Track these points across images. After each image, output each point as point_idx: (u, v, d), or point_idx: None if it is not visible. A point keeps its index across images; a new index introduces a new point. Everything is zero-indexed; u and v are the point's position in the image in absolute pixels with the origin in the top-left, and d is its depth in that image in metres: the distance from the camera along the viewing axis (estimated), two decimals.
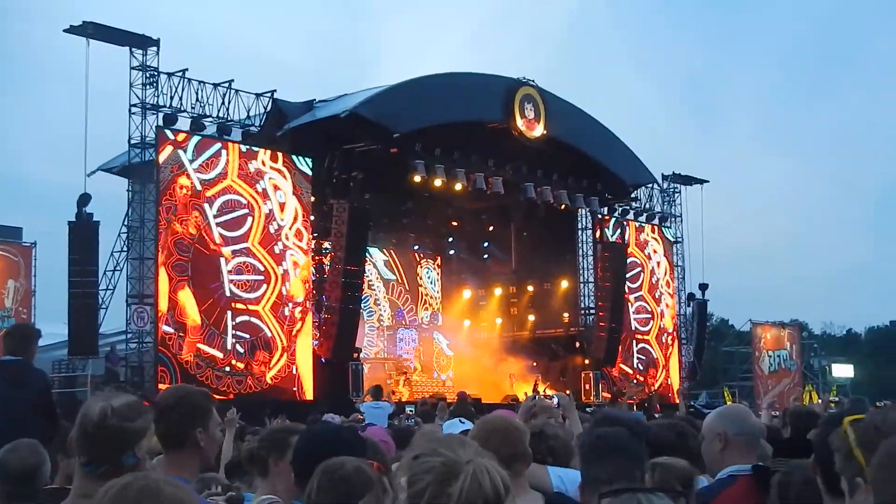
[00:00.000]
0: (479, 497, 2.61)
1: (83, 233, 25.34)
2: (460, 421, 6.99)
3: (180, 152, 26.13)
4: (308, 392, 28.22)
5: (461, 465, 2.67)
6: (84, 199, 25.56)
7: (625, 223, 38.66)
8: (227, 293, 26.76)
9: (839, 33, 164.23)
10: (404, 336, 38.47)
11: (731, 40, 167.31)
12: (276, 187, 28.01)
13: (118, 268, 27.92)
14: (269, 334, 27.40)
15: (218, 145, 27.08)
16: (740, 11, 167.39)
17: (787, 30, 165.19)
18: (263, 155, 27.84)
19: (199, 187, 26.37)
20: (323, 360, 28.97)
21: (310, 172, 28.83)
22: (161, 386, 24.95)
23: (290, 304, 28.05)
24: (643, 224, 39.42)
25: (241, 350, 26.67)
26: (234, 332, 26.63)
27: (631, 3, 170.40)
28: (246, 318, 27.06)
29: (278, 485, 5.13)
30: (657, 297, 39.90)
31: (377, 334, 37.46)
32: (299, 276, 28.34)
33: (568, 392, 32.59)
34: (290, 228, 28.26)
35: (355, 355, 30.22)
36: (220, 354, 26.41)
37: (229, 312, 26.65)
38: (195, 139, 26.64)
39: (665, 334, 40.04)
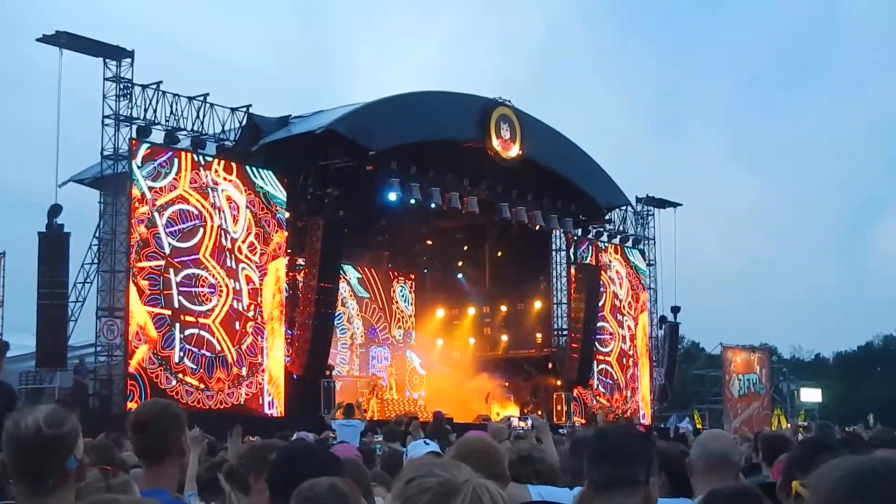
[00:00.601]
0: None
1: (53, 244, 25.13)
2: (425, 442, 6.87)
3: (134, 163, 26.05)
4: (279, 408, 28.06)
5: (459, 484, 2.59)
6: (55, 209, 25.35)
7: (588, 244, 38.63)
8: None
9: (803, 50, 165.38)
10: (377, 354, 38.34)
11: (698, 58, 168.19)
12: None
13: (88, 280, 27.76)
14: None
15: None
16: (708, 29, 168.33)
17: (754, 47, 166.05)
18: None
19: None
20: (295, 376, 28.80)
21: (270, 185, 28.56)
22: (130, 402, 24.79)
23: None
24: (605, 244, 39.33)
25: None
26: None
27: (603, 20, 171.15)
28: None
29: (259, 502, 5.03)
30: (619, 319, 39.83)
31: (350, 352, 37.31)
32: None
33: (541, 413, 32.54)
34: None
35: (327, 372, 30.09)
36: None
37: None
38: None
39: (626, 356, 39.95)
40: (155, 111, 26.85)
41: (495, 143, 32.97)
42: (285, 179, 29.08)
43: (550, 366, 38.64)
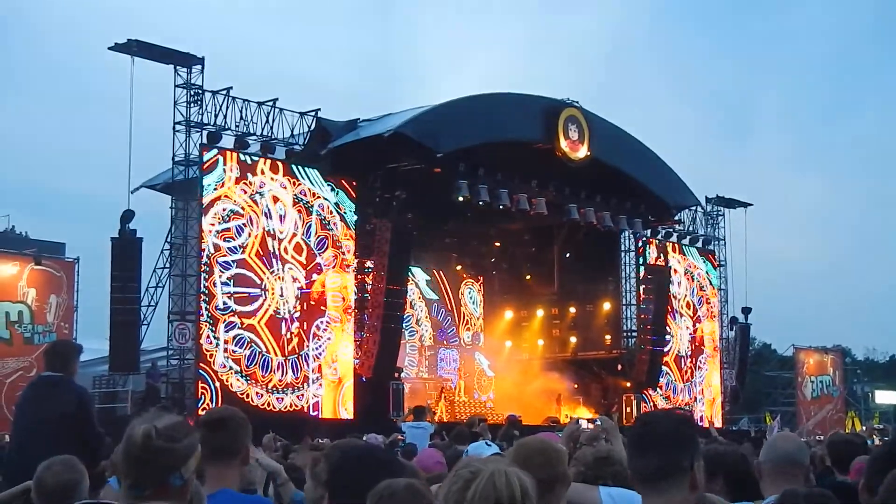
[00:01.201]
0: (492, 495, 2.82)
1: (126, 249, 25.44)
2: (486, 444, 6.87)
3: None
4: (348, 412, 28.22)
5: (484, 471, 2.86)
6: (127, 215, 25.67)
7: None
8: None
9: (870, 50, 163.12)
10: (445, 356, 38.39)
11: (766, 60, 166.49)
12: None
13: (160, 284, 28.09)
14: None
15: (214, 151, 26.80)
16: (776, 31, 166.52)
17: (822, 47, 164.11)
18: (263, 165, 27.52)
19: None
20: (363, 379, 28.92)
21: (317, 185, 28.50)
22: (202, 404, 25.07)
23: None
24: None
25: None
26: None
27: (671, 23, 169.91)
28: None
29: None
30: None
31: (418, 354, 37.40)
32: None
33: (611, 412, 32.41)
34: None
35: (396, 375, 30.18)
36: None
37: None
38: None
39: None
40: (225, 117, 27.12)
41: (563, 144, 32.88)
42: (354, 182, 29.21)
43: (620, 367, 38.48)
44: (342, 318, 28.70)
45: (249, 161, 27.19)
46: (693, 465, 3.71)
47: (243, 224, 26.71)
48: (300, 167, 28.30)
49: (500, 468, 2.87)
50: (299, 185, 28.04)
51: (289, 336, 27.38)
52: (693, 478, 3.70)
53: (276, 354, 26.96)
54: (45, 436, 7.58)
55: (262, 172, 27.28)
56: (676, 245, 39.55)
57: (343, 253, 28.88)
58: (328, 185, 28.65)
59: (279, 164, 27.90)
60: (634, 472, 3.79)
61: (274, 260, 27.24)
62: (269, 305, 27.08)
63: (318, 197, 28.40)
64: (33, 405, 8.23)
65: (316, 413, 27.50)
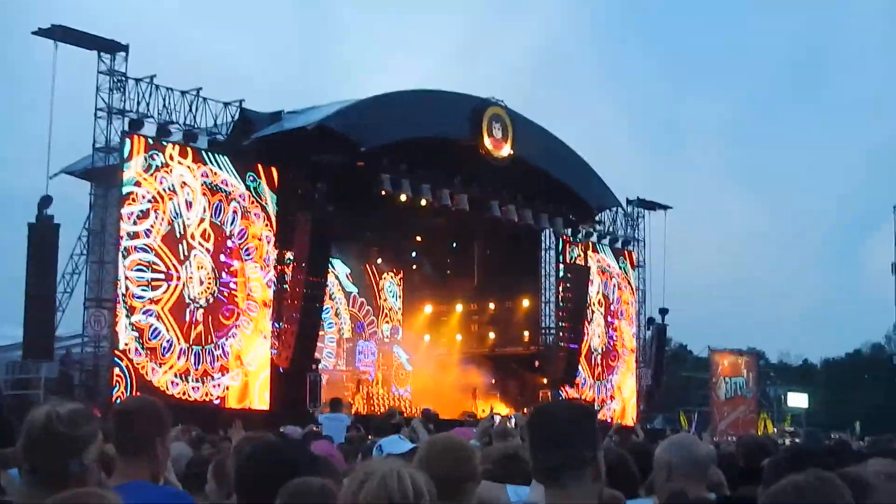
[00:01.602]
0: (384, 496, 2.80)
1: (43, 234, 25.09)
2: (400, 438, 6.85)
3: None
4: (264, 402, 28.14)
5: (377, 472, 2.85)
6: (45, 200, 25.30)
7: (566, 240, 38.59)
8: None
9: (804, 71, 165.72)
10: (364, 349, 38.35)
11: (699, 72, 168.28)
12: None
13: (77, 271, 27.77)
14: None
15: (134, 139, 26.44)
16: (709, 45, 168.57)
17: (754, 65, 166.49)
18: (172, 150, 27.06)
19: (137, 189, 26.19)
20: (281, 369, 28.85)
21: (226, 172, 28.13)
22: (116, 392, 24.86)
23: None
24: (575, 242, 39.14)
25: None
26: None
27: (602, 30, 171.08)
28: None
29: None
30: (591, 318, 39.61)
31: (337, 346, 37.35)
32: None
33: (526, 411, 32.54)
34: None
35: (314, 366, 30.13)
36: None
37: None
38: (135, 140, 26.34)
39: (599, 356, 39.92)
40: (148, 105, 26.86)
41: (487, 142, 33.03)
42: (276, 174, 29.08)
43: (537, 364, 38.76)
44: (260, 307, 28.59)
45: (169, 149, 26.90)
46: (595, 455, 3.73)
47: (157, 210, 26.41)
48: (215, 155, 27.96)
49: (393, 468, 2.87)
50: (217, 175, 27.82)
51: (198, 324, 27.12)
52: (596, 469, 3.73)
53: (186, 343, 26.72)
54: None
55: (179, 161, 26.95)
56: (595, 245, 39.88)
57: (263, 243, 28.74)
58: (250, 174, 28.50)
59: (193, 151, 27.48)
60: (536, 464, 3.79)
61: (180, 246, 26.96)
62: (180, 292, 26.78)
63: (239, 186, 28.21)
64: None
65: (230, 404, 27.35)
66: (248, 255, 28.38)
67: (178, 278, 26.77)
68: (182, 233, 26.96)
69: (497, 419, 28.15)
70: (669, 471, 5.19)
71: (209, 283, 27.44)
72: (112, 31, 27.54)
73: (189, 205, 27.14)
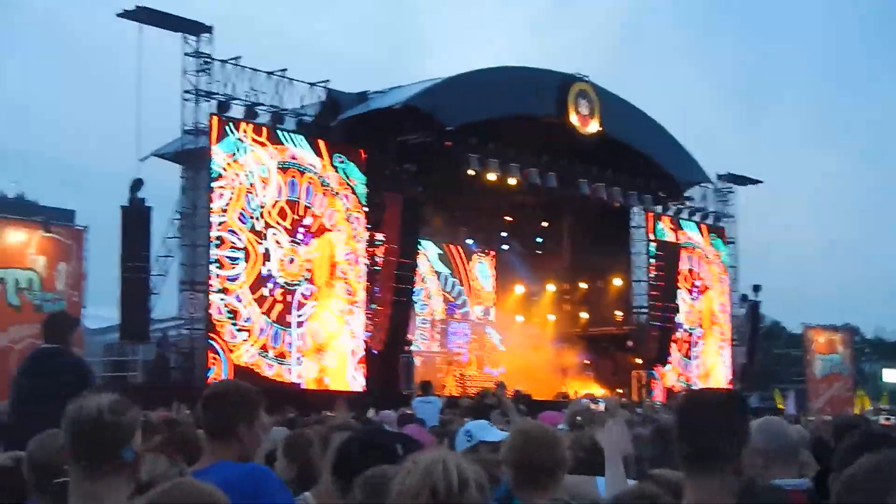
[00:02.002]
0: (427, 484, 2.81)
1: (135, 217, 25.39)
2: (488, 424, 6.65)
3: None
4: (358, 383, 28.24)
5: (423, 461, 2.87)
6: (136, 183, 25.58)
7: (656, 217, 38.12)
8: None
9: (888, 29, 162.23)
10: (456, 330, 38.34)
11: (783, 36, 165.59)
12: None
13: (170, 254, 28.08)
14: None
15: (224, 121, 26.58)
16: (794, 7, 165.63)
17: (838, 25, 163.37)
18: (253, 131, 27.05)
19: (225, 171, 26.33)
20: (374, 352, 28.93)
21: (305, 151, 28.08)
22: (212, 374, 25.12)
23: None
24: (665, 218, 38.64)
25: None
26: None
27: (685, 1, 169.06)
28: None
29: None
30: (684, 296, 39.10)
31: (429, 328, 37.38)
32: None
33: (617, 393, 32.39)
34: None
35: (407, 348, 30.19)
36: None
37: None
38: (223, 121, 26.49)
39: (692, 334, 39.48)
40: (234, 86, 27.06)
41: (574, 118, 32.78)
42: (364, 155, 29.12)
43: (630, 343, 38.50)
44: (353, 290, 28.65)
45: (251, 131, 26.98)
46: (741, 449, 3.65)
47: (242, 192, 26.51)
48: (293, 136, 27.93)
49: (439, 457, 2.86)
50: (308, 155, 27.90)
51: (288, 305, 27.22)
52: (740, 466, 3.65)
53: (280, 325, 26.90)
54: (43, 407, 7.57)
55: (260, 141, 27.03)
56: (685, 222, 39.45)
57: (353, 226, 28.80)
58: (338, 156, 28.54)
59: (270, 131, 27.42)
60: (681, 452, 3.68)
61: (282, 231, 27.08)
62: (266, 273, 26.87)
63: (328, 168, 28.27)
64: (32, 377, 8.23)
65: (325, 385, 27.49)
66: (340, 237, 28.38)
67: (271, 261, 26.89)
68: (273, 215, 27.07)
69: (584, 402, 28.07)
70: (766, 457, 5.04)
71: (301, 266, 27.51)
72: (197, 11, 27.57)
73: (278, 187, 27.23)
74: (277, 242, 27.13)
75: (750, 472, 5.12)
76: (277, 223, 27.17)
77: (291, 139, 27.79)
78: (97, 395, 3.65)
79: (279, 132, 27.57)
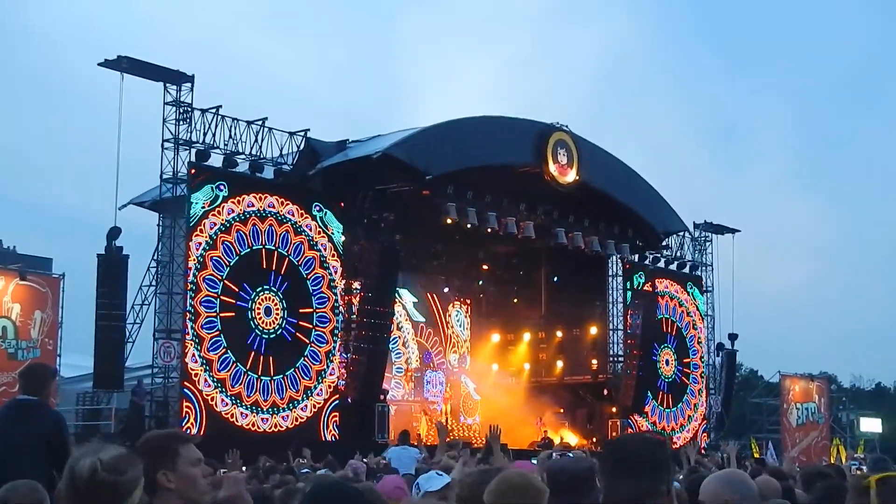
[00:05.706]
0: None
1: (112, 266, 25.37)
2: (437, 474, 6.78)
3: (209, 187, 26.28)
4: (332, 433, 28.10)
5: None
6: (114, 232, 25.58)
7: (633, 266, 38.19)
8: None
9: (865, 78, 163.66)
10: (432, 379, 38.21)
11: (760, 82, 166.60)
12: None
13: (146, 302, 27.98)
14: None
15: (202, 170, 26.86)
16: (771, 54, 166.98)
17: (816, 72, 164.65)
18: (236, 181, 27.31)
19: (206, 219, 26.42)
20: (349, 400, 28.82)
21: (281, 198, 28.12)
22: (186, 423, 24.96)
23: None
24: (642, 268, 38.61)
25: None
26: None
27: (664, 44, 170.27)
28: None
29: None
30: (661, 345, 39.07)
31: (404, 377, 37.26)
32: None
33: (588, 444, 32.20)
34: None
35: (382, 397, 30.07)
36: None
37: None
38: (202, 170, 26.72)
39: (670, 384, 39.33)
40: (214, 135, 27.12)
41: (552, 168, 32.93)
42: (342, 203, 29.16)
43: (606, 392, 38.45)
44: (328, 338, 28.60)
45: (238, 180, 27.13)
46: (669, 488, 3.69)
47: (224, 241, 26.59)
48: (279, 186, 28.20)
49: None
50: (286, 205, 27.99)
51: (268, 356, 27.22)
52: (669, 501, 3.67)
53: (254, 374, 26.81)
54: (20, 459, 7.52)
55: (244, 192, 27.19)
56: (662, 271, 39.59)
57: (330, 274, 28.78)
58: (316, 204, 28.61)
59: (257, 182, 27.80)
60: (609, 497, 3.73)
61: (247, 277, 27.12)
62: (249, 323, 26.94)
63: (306, 217, 28.33)
64: (9, 428, 8.17)
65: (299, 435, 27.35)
66: (316, 285, 28.42)
67: (247, 310, 26.87)
68: (249, 264, 27.08)
69: (554, 455, 27.99)
70: None
71: (276, 315, 27.49)
72: (178, 61, 27.72)
73: (255, 236, 27.26)
74: (254, 290, 27.08)
75: None
76: (254, 271, 27.13)
77: (270, 188, 27.83)
78: (99, 450, 3.59)
79: (257, 181, 27.61)
